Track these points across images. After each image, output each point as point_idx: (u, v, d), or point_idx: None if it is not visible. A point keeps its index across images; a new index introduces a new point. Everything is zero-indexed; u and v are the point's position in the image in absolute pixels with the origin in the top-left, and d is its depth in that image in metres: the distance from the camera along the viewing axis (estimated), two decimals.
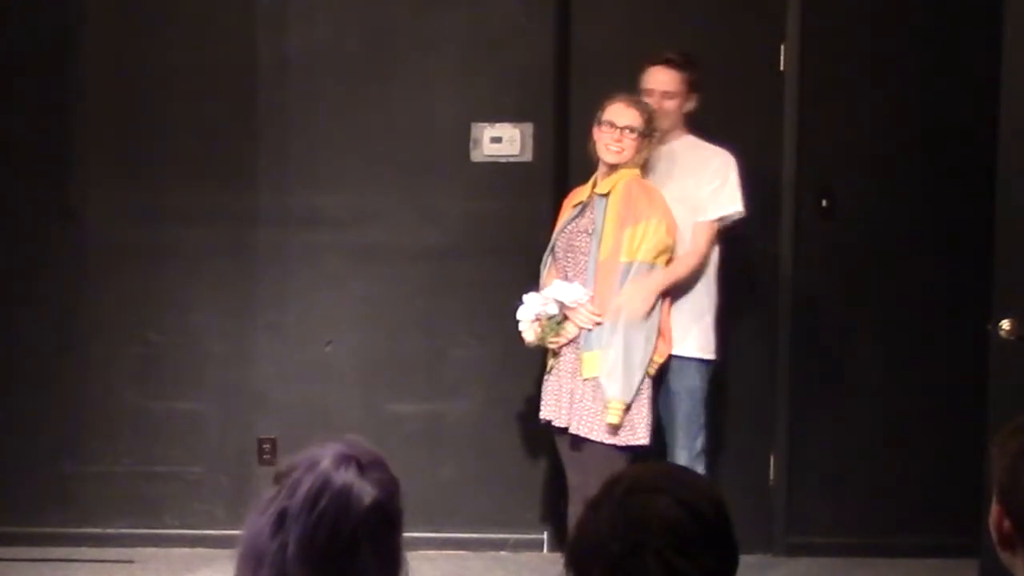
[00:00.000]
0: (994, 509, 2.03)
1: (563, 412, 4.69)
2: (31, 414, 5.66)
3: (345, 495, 1.70)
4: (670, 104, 4.93)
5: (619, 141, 4.67)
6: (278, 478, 1.77)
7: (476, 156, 5.58)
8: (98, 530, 5.67)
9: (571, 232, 4.75)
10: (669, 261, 4.70)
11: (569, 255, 4.75)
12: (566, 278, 4.72)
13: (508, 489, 5.65)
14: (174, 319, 5.65)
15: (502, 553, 5.64)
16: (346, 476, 1.72)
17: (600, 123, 4.72)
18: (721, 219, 4.91)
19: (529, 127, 5.54)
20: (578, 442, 4.64)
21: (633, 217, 4.62)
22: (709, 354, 4.95)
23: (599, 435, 4.59)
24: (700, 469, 4.81)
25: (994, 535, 2.04)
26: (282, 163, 5.60)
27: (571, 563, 1.88)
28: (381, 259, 5.61)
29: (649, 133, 4.72)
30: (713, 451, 5.39)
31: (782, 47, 5.53)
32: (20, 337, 5.65)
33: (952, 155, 5.55)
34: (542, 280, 4.85)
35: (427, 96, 5.55)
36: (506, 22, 5.55)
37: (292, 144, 5.60)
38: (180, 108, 5.60)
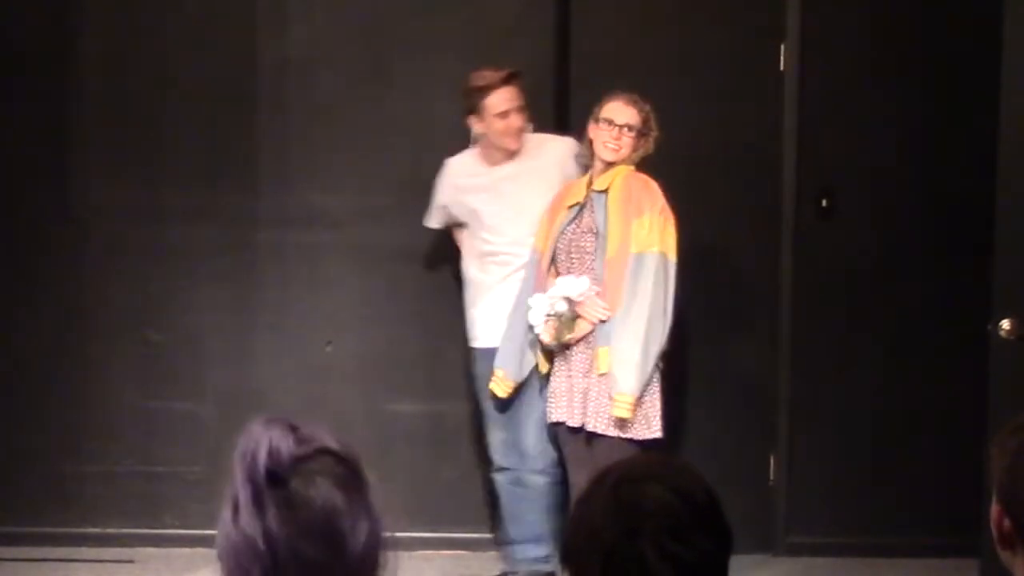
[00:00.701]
0: (994, 508, 2.03)
1: (576, 411, 4.68)
2: (31, 414, 5.66)
3: (267, 441, 1.70)
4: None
5: (617, 139, 4.68)
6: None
7: None
8: (98, 530, 5.67)
9: (573, 233, 4.75)
10: None
11: (573, 256, 4.74)
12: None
13: None
14: (174, 319, 5.65)
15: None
16: (269, 430, 1.72)
17: (598, 120, 4.72)
18: None
19: (529, 127, 5.53)
20: (593, 439, 4.64)
21: (637, 209, 4.63)
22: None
23: (616, 430, 4.59)
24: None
25: (994, 534, 2.04)
26: (282, 163, 5.60)
27: (567, 558, 1.89)
28: (381, 259, 5.61)
29: (646, 132, 4.72)
30: (713, 451, 5.40)
31: (782, 47, 5.53)
32: (20, 337, 5.65)
33: (952, 155, 5.54)
34: (532, 285, 4.85)
35: (427, 96, 5.55)
36: (506, 22, 5.55)
37: (292, 144, 5.60)
38: (180, 108, 5.60)
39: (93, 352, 5.66)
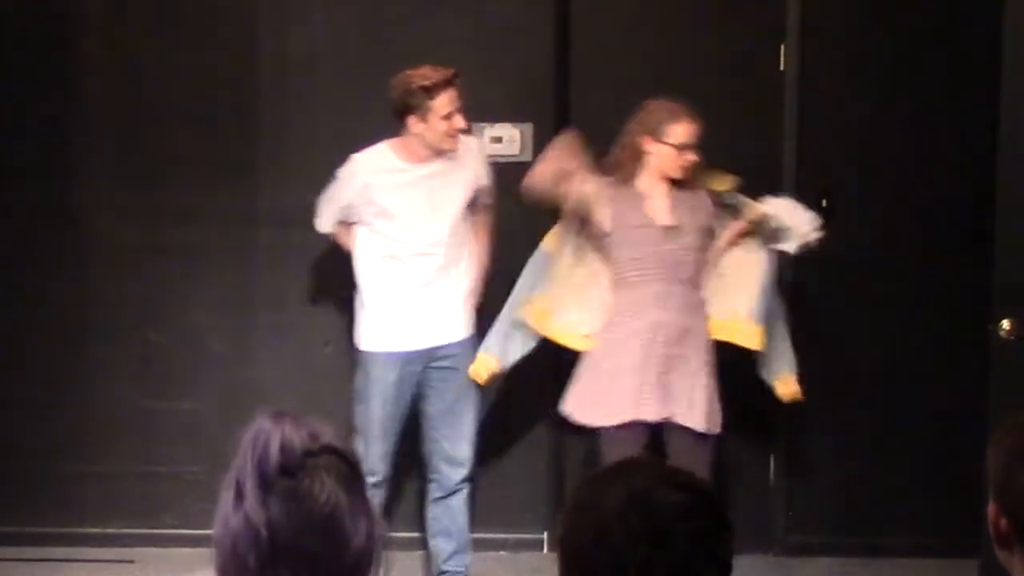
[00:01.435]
0: (991, 508, 2.03)
1: (695, 410, 4.72)
2: (31, 414, 5.67)
3: (280, 432, 1.71)
4: None
5: (690, 159, 4.74)
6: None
7: None
8: (98, 530, 5.68)
9: (668, 253, 4.75)
10: None
11: (675, 269, 4.76)
12: (670, 292, 4.75)
13: (508, 489, 5.64)
14: (174, 319, 5.66)
15: (502, 553, 5.65)
16: (281, 422, 1.73)
17: (659, 137, 4.70)
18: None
19: (529, 127, 5.54)
20: (699, 438, 4.72)
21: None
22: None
23: (711, 428, 4.75)
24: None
25: (991, 534, 2.04)
26: (282, 163, 5.61)
27: (565, 559, 1.85)
28: None
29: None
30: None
31: (782, 47, 5.53)
32: (20, 337, 5.65)
33: (952, 155, 5.54)
34: (534, 283, 4.88)
35: None
36: (506, 22, 5.55)
37: (292, 144, 5.61)
38: (180, 108, 5.60)
39: (93, 352, 5.66)
